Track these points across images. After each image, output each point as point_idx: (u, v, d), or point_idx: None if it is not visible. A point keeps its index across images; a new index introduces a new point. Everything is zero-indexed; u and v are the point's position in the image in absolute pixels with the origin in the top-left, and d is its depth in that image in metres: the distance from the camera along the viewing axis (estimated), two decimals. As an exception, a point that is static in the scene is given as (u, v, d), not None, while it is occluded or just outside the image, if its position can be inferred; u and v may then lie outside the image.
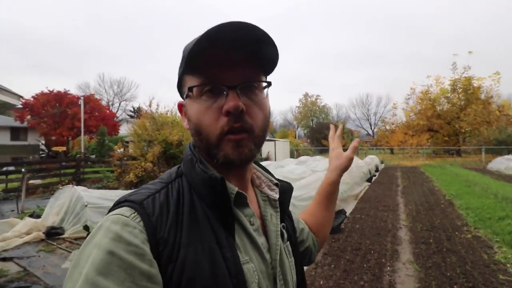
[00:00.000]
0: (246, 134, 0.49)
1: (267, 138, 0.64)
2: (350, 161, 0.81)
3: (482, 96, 25.31)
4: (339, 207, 5.27)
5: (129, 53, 76.74)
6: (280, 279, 0.54)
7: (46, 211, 5.10)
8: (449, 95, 26.72)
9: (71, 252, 3.89)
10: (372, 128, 52.15)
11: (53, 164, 12.32)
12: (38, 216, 5.25)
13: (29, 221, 4.82)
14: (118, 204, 0.47)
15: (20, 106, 19.81)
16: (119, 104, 45.51)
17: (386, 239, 4.25)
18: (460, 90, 25.97)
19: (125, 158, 10.16)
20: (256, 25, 0.47)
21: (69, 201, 4.78)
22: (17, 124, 22.32)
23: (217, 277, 0.44)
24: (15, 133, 24.48)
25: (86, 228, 4.32)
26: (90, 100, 22.83)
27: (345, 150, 0.83)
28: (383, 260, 3.50)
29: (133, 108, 37.92)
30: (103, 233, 0.41)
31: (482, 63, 35.68)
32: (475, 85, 25.30)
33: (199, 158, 0.53)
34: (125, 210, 0.45)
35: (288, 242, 0.61)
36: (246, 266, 0.48)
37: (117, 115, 35.05)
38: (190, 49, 0.47)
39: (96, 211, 4.52)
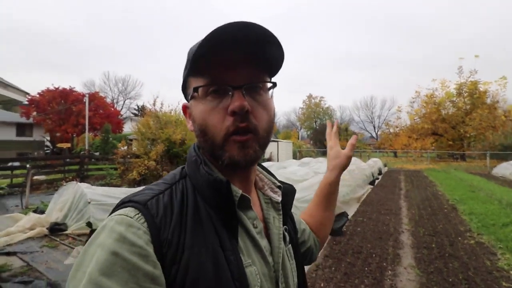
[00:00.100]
0: (251, 134, 0.49)
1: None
2: (348, 159, 0.81)
3: (488, 101, 25.10)
4: (341, 210, 5.24)
5: (134, 52, 77.44)
6: (282, 282, 0.54)
7: (49, 207, 5.14)
8: (454, 99, 26.54)
9: (73, 248, 3.92)
10: (376, 130, 51.98)
11: (58, 160, 12.42)
12: (42, 212, 5.29)
13: (33, 216, 4.87)
14: (122, 204, 0.47)
15: (26, 102, 20.08)
16: (124, 102, 45.88)
17: (388, 243, 4.22)
18: (465, 94, 25.78)
19: (128, 156, 10.21)
20: (261, 25, 0.46)
21: (73, 198, 4.82)
22: (23, 120, 22.57)
23: (221, 279, 0.44)
24: (21, 129, 24.74)
25: (89, 224, 4.35)
26: (95, 97, 23.02)
27: (343, 148, 0.82)
28: (385, 264, 3.48)
29: (137, 106, 38.19)
30: (107, 234, 0.41)
31: (489, 67, 35.34)
32: (481, 89, 25.10)
33: (203, 159, 0.53)
34: (129, 211, 0.45)
35: (290, 245, 0.61)
36: (248, 269, 0.48)
37: (121, 113, 35.32)
38: (194, 51, 0.47)
39: (99, 208, 4.56)
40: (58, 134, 21.38)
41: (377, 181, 11.01)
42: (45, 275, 3.22)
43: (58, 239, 4.33)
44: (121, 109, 41.72)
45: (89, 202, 4.58)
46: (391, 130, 31.06)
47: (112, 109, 26.08)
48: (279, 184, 0.63)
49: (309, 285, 3.03)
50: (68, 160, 11.95)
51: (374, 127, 53.08)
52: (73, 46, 68.34)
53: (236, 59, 0.49)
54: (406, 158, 25.79)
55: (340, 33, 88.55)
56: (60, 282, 3.01)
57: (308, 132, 48.92)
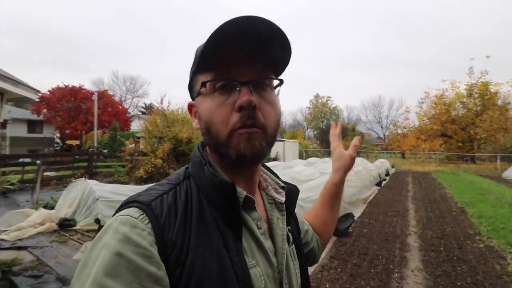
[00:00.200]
0: (258, 129, 0.49)
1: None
2: (352, 160, 0.81)
3: (499, 102, 24.57)
4: (347, 210, 5.21)
5: (142, 51, 78.13)
6: (286, 283, 0.54)
7: (59, 203, 5.24)
8: (464, 100, 26.00)
9: (82, 244, 3.99)
10: (384, 131, 51.35)
11: (67, 157, 12.66)
12: (52, 208, 5.40)
13: (43, 212, 4.97)
14: (126, 204, 0.47)
15: (37, 100, 20.46)
16: (131, 100, 46.35)
17: (395, 245, 4.18)
18: (476, 95, 25.24)
19: (136, 154, 10.33)
20: (268, 19, 0.45)
21: (82, 194, 4.90)
22: (34, 117, 23.07)
23: (225, 280, 0.44)
24: (32, 126, 25.30)
25: (97, 221, 4.43)
26: (103, 95, 23.35)
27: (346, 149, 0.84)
28: (391, 266, 3.45)
29: (145, 105, 38.54)
30: (111, 234, 0.41)
31: (500, 68, 34.54)
32: (492, 90, 24.55)
33: (208, 160, 0.53)
34: (133, 211, 0.44)
35: (293, 245, 0.61)
36: (253, 270, 0.48)
37: (129, 111, 35.66)
38: (202, 48, 0.47)
39: (107, 205, 4.63)
40: (67, 131, 21.73)
41: (384, 182, 10.89)
42: (55, 270, 3.29)
43: (67, 235, 4.41)
44: (129, 107, 42.17)
45: (98, 199, 4.65)
46: (399, 131, 30.63)
47: (120, 107, 26.39)
48: (282, 184, 0.63)
49: (314, 285, 3.02)
50: (77, 157, 12.17)
51: (382, 128, 52.55)
52: (83, 45, 69.52)
53: (242, 56, 0.48)
54: (414, 160, 25.39)
55: (348, 32, 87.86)
56: (68, 277, 3.07)
57: (315, 132, 48.63)
